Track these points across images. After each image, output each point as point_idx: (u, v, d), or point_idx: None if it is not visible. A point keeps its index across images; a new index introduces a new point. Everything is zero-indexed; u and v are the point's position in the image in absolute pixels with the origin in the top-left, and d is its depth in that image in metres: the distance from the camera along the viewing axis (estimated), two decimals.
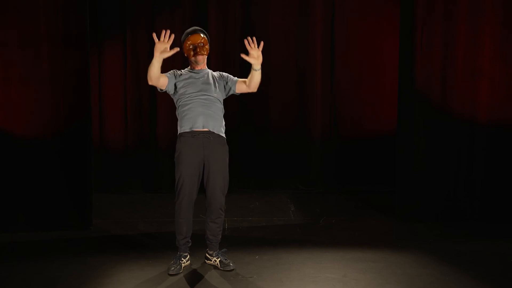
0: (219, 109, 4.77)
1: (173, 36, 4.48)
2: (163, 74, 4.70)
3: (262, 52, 4.66)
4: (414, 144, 6.00)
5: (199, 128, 4.66)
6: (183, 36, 4.82)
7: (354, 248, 5.23)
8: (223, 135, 4.76)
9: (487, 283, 4.45)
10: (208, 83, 4.76)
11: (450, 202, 6.04)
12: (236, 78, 4.89)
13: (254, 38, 4.63)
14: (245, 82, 4.82)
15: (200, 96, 4.69)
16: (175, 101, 4.83)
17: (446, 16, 5.89)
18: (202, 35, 4.76)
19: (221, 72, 4.93)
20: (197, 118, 4.65)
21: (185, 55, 4.83)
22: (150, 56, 4.52)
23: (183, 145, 4.68)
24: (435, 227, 5.85)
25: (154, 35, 4.50)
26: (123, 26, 7.18)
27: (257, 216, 6.39)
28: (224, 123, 4.79)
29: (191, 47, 4.75)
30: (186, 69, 4.89)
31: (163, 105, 7.07)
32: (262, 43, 4.65)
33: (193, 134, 4.66)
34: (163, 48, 4.46)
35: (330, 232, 5.79)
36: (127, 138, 7.35)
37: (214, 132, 4.68)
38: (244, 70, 7.31)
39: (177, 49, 4.49)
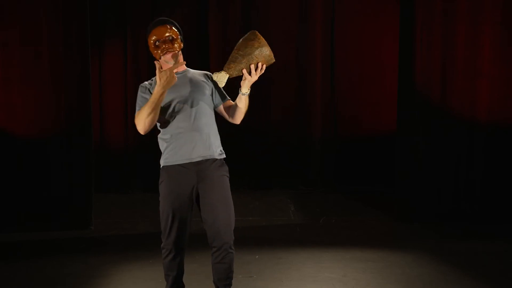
0: (213, 123, 3.69)
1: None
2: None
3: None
4: (414, 144, 6.00)
5: (188, 160, 3.59)
6: (147, 30, 3.69)
7: (354, 248, 5.23)
8: (220, 156, 3.69)
9: (487, 283, 4.44)
10: (194, 87, 3.65)
11: (450, 202, 6.04)
12: (224, 94, 3.79)
13: (264, 67, 3.68)
14: (230, 108, 3.76)
15: (186, 108, 3.58)
16: None
17: (446, 16, 5.89)
18: (169, 26, 3.66)
19: (206, 73, 3.80)
20: (186, 148, 3.58)
21: (154, 55, 3.70)
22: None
23: (169, 174, 3.62)
24: (435, 227, 5.85)
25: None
26: (123, 26, 7.19)
27: (257, 216, 6.39)
28: (219, 139, 3.72)
29: (157, 43, 3.64)
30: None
31: None
32: (264, 67, 3.68)
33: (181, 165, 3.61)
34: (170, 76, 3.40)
35: (330, 232, 5.79)
36: (127, 138, 7.36)
37: (209, 159, 3.62)
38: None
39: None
